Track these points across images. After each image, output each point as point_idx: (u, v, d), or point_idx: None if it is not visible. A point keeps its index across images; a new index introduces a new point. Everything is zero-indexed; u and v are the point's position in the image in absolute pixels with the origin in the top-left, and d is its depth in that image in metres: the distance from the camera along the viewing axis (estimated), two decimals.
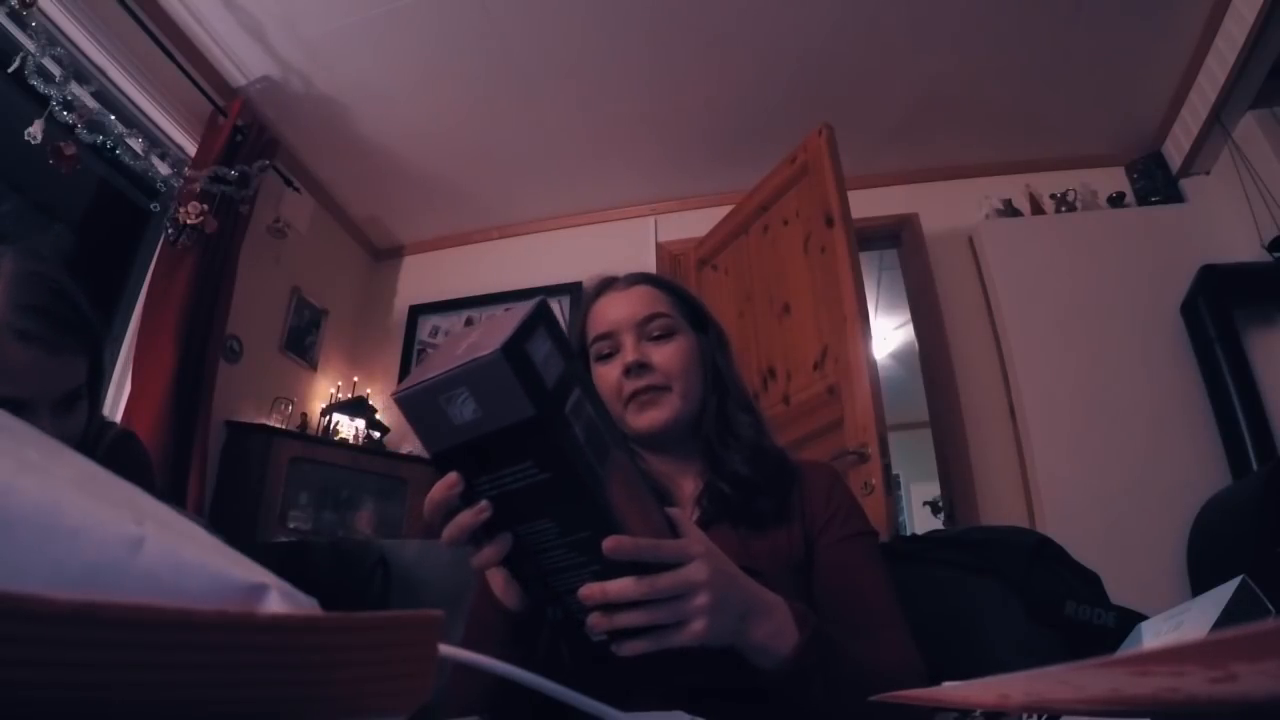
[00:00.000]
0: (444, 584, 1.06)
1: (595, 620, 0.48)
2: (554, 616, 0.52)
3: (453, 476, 0.47)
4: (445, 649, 0.22)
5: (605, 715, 0.35)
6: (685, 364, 0.78)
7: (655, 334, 0.79)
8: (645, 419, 0.77)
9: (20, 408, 0.72)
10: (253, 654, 0.14)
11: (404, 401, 0.45)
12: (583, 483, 0.47)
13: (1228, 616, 0.40)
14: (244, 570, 0.17)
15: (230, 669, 0.14)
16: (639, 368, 0.76)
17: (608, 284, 0.86)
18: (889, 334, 4.45)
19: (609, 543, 0.47)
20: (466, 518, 0.48)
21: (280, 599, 0.17)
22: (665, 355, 0.78)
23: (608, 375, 0.78)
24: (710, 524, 0.74)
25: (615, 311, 0.80)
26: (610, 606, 0.48)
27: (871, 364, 1.87)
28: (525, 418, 0.45)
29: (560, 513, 0.48)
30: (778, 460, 0.79)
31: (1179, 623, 0.45)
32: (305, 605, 0.17)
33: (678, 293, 0.85)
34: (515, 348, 0.43)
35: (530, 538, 0.49)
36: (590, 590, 0.48)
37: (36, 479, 0.14)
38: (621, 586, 0.48)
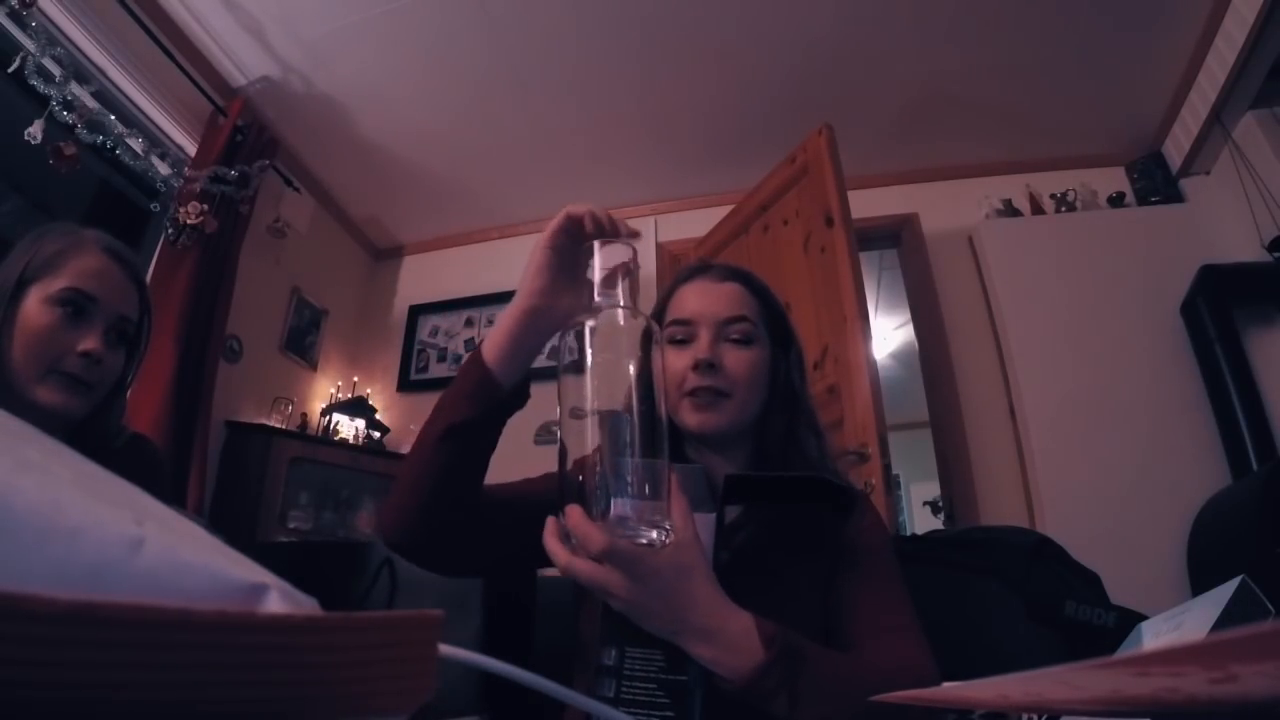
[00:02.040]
0: (449, 586, 1.07)
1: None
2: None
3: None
4: (445, 649, 0.22)
5: (605, 716, 0.35)
6: (753, 375, 0.77)
7: (734, 337, 0.78)
8: (698, 420, 0.76)
9: (88, 303, 0.83)
10: (253, 654, 0.14)
11: None
12: None
13: (1227, 617, 0.40)
14: (244, 570, 0.16)
15: (230, 669, 0.14)
16: (709, 367, 0.75)
17: (702, 270, 0.84)
18: (889, 334, 4.45)
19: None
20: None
21: (280, 599, 0.17)
22: (737, 361, 0.77)
23: (675, 362, 0.77)
24: (744, 528, 0.73)
25: (700, 302, 0.79)
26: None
27: (871, 364, 1.87)
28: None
29: (674, 651, 0.53)
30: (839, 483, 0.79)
31: (1179, 623, 0.45)
32: (305, 605, 0.17)
33: (767, 301, 0.83)
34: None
35: (632, 660, 0.54)
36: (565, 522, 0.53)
37: (36, 478, 0.14)
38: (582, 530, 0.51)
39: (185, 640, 0.13)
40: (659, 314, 0.84)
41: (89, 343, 0.82)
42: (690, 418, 0.76)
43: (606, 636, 0.55)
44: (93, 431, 0.89)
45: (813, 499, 0.65)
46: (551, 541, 0.54)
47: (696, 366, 0.75)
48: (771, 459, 0.79)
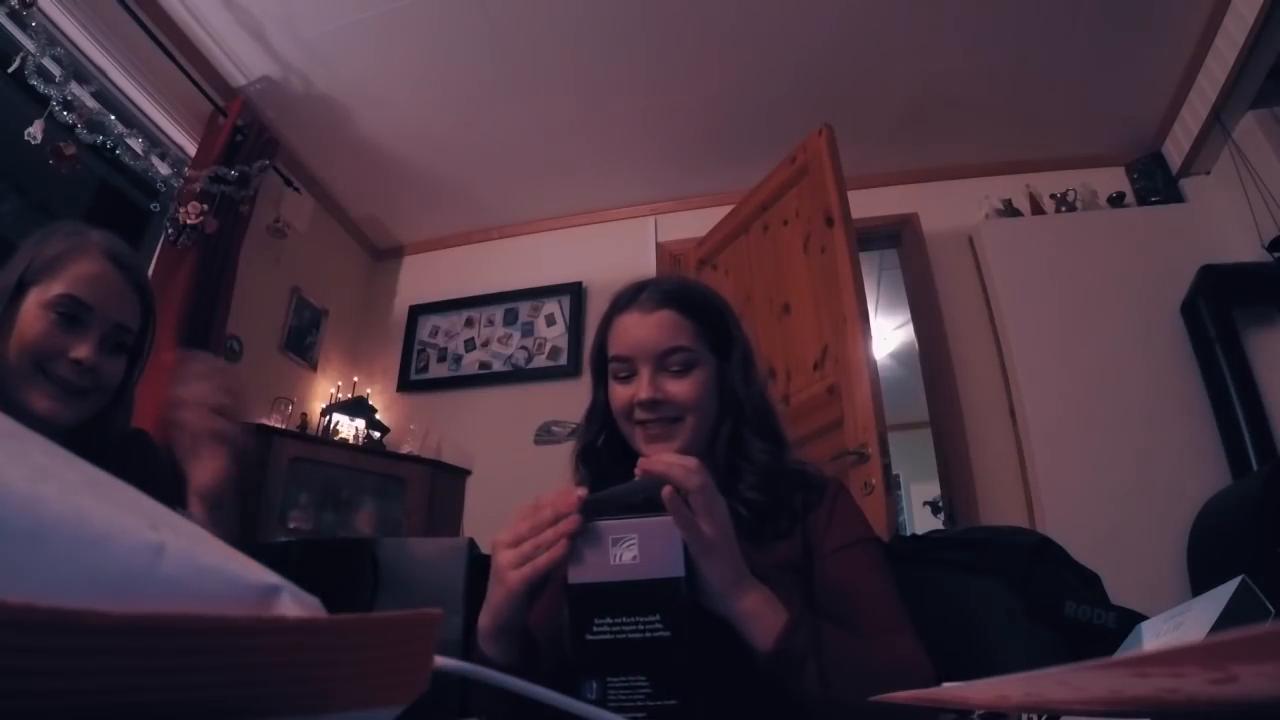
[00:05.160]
0: (429, 579, 1.08)
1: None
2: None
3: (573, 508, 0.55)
4: (440, 660, 0.23)
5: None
6: (701, 396, 0.78)
7: (674, 368, 0.78)
8: (655, 450, 0.77)
9: (82, 311, 0.82)
10: (278, 655, 0.15)
11: (578, 532, 0.54)
12: (692, 653, 0.51)
13: (1227, 617, 0.40)
14: (257, 573, 0.17)
15: (256, 668, 0.15)
16: (652, 404, 0.77)
17: (632, 299, 0.82)
18: (889, 334, 4.45)
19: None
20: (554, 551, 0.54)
21: (291, 600, 0.17)
22: (680, 389, 0.78)
23: (622, 395, 0.79)
24: None
25: (635, 336, 0.79)
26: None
27: (871, 364, 1.87)
28: (673, 576, 0.53)
29: (659, 675, 0.51)
30: (798, 479, 0.79)
31: (1179, 623, 0.45)
32: (311, 605, 0.18)
33: (703, 316, 0.82)
34: None
35: (615, 691, 0.51)
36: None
37: (56, 486, 0.14)
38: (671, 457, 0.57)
39: (222, 645, 0.14)
40: (600, 343, 0.85)
41: (80, 351, 0.81)
42: (647, 449, 0.78)
43: (584, 669, 0.52)
44: (94, 436, 0.88)
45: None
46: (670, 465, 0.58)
47: (640, 405, 0.77)
48: (719, 467, 0.78)
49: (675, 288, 0.83)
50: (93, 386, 0.84)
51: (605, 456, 0.83)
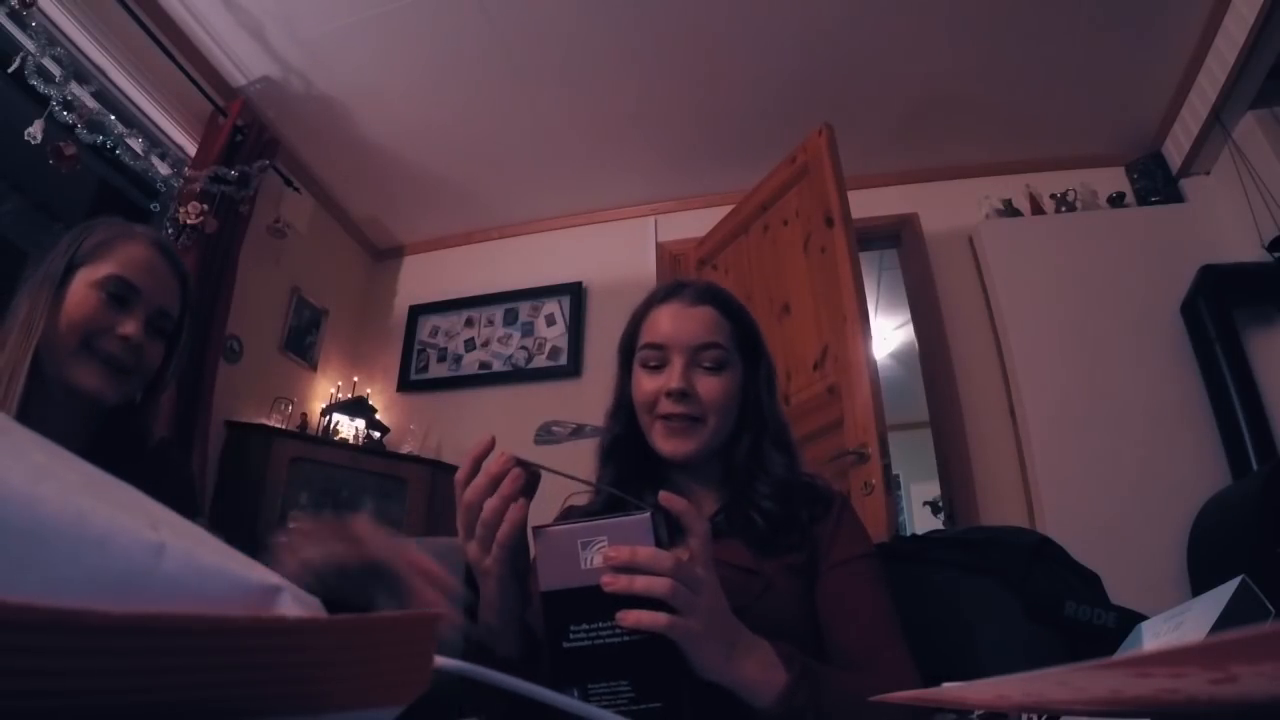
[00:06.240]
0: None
1: (609, 580, 0.50)
2: None
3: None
4: (440, 660, 0.23)
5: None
6: (726, 400, 0.78)
7: (706, 364, 0.78)
8: (671, 445, 0.77)
9: (131, 292, 0.84)
10: (278, 655, 0.15)
11: (544, 536, 0.52)
12: (676, 652, 0.50)
13: (1227, 617, 0.40)
14: (258, 573, 0.17)
15: (255, 669, 0.15)
16: (682, 395, 0.76)
17: (675, 291, 0.83)
18: (889, 334, 4.46)
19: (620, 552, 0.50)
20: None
21: (291, 600, 0.17)
22: (710, 388, 0.78)
23: (647, 385, 0.79)
24: (721, 536, 0.74)
25: (673, 326, 0.80)
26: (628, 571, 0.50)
27: (871, 364, 1.87)
28: None
29: (641, 678, 0.50)
30: (808, 492, 0.80)
31: (1179, 623, 0.45)
32: (311, 605, 0.18)
33: (739, 321, 0.83)
34: (658, 515, 0.52)
35: (598, 697, 0.50)
36: (619, 552, 0.50)
37: (55, 486, 0.14)
38: (648, 553, 0.49)
39: (222, 645, 0.14)
40: (632, 333, 0.85)
41: (128, 327, 0.82)
42: (664, 444, 0.78)
43: (564, 677, 0.51)
44: (127, 428, 0.89)
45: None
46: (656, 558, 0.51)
47: (669, 394, 0.76)
48: (737, 477, 0.79)
49: (716, 290, 0.85)
50: (135, 366, 0.85)
51: (626, 453, 0.83)
